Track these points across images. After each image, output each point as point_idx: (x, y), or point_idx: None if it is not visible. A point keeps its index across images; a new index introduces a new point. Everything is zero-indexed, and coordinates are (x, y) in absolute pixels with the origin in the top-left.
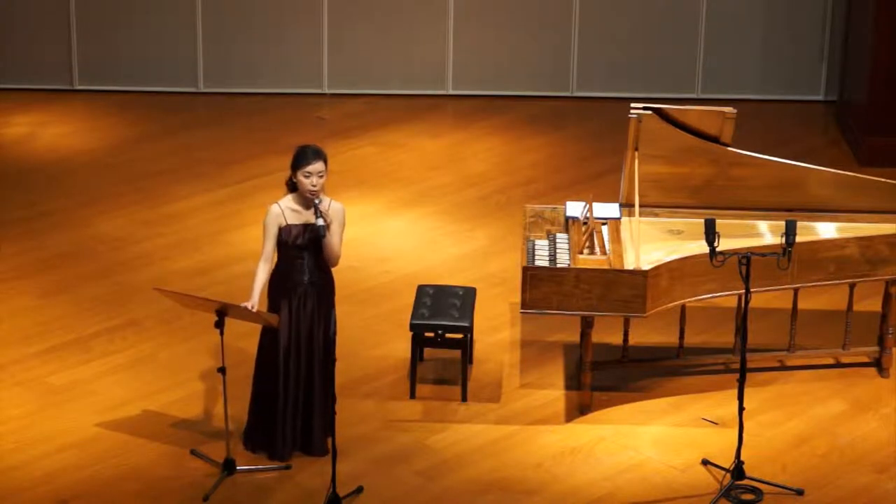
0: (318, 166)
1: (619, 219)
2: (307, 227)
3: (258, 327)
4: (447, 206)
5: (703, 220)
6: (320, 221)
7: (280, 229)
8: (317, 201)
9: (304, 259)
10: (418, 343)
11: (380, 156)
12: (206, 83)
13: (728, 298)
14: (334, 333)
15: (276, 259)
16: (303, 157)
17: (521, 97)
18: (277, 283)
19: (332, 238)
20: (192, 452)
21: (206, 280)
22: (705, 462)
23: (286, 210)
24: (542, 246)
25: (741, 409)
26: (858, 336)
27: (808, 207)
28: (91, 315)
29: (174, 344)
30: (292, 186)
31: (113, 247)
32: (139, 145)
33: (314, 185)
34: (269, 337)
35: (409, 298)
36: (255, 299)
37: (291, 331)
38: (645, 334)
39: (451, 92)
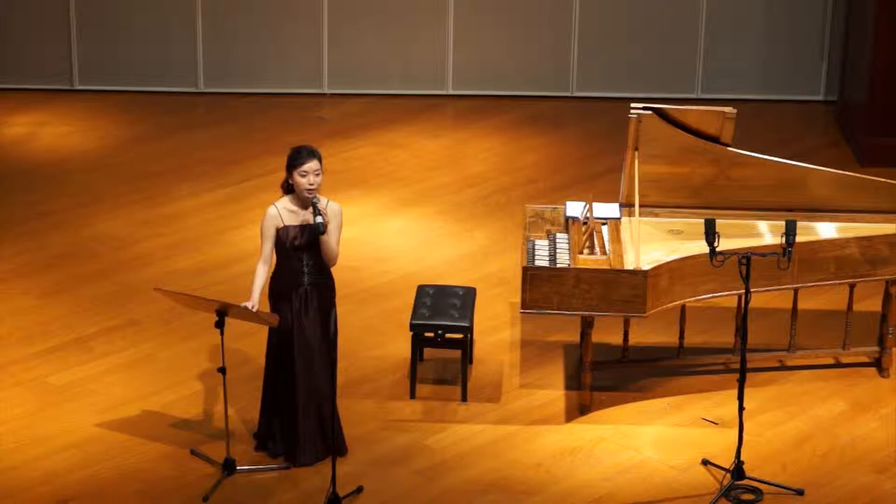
0: (313, 165)
1: (619, 219)
2: (305, 227)
3: (258, 327)
4: (447, 206)
5: (703, 220)
6: (319, 219)
7: (278, 231)
8: (315, 200)
9: (304, 260)
10: (418, 343)
11: (380, 156)
12: (206, 83)
13: (728, 298)
14: (335, 334)
15: (274, 260)
16: (298, 156)
17: (521, 97)
18: (278, 285)
19: (330, 238)
20: (192, 452)
21: (206, 280)
22: (705, 462)
23: (283, 211)
24: (542, 246)
25: (741, 409)
26: (858, 336)
27: (808, 207)
28: (91, 315)
29: (174, 344)
30: (288, 188)
31: (113, 247)
32: (139, 145)
33: (311, 184)
34: (276, 338)
35: (409, 298)
36: (256, 298)
37: (294, 332)
38: (645, 334)
39: (451, 92)
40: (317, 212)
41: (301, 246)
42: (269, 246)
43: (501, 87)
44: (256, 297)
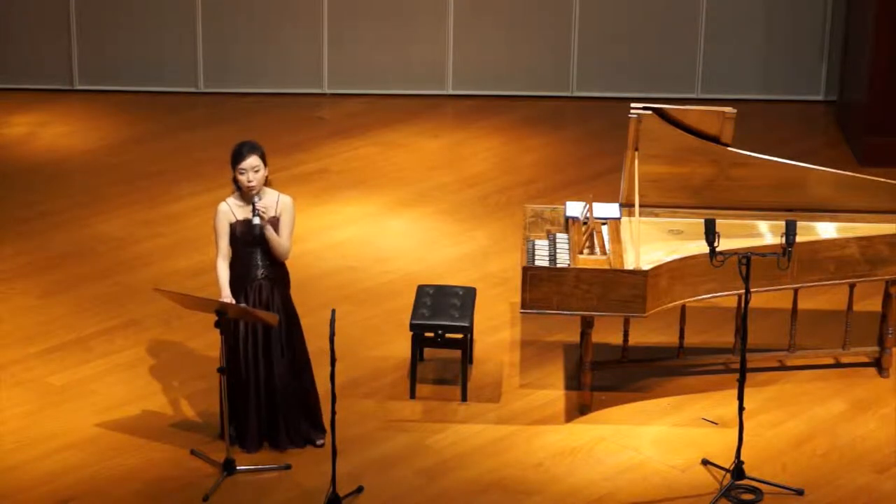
0: (251, 161)
1: (619, 219)
2: (247, 223)
3: None
4: (447, 206)
5: (703, 220)
6: (256, 220)
7: (231, 226)
8: (256, 199)
9: (257, 254)
10: (418, 343)
11: (380, 156)
12: (206, 83)
13: (728, 298)
14: (333, 334)
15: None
16: (237, 154)
17: (521, 97)
18: (233, 279)
19: (282, 232)
20: (192, 452)
21: (206, 280)
22: (705, 462)
23: (234, 207)
24: (542, 246)
25: (741, 409)
26: (858, 336)
27: (808, 207)
28: (91, 315)
29: (174, 344)
30: (237, 184)
31: (113, 247)
32: (139, 145)
33: (250, 181)
34: (230, 332)
35: (409, 298)
36: (227, 293)
37: (248, 325)
38: (645, 334)
39: (451, 92)
40: (255, 212)
41: (252, 240)
42: (224, 242)
43: (501, 87)
44: (227, 292)
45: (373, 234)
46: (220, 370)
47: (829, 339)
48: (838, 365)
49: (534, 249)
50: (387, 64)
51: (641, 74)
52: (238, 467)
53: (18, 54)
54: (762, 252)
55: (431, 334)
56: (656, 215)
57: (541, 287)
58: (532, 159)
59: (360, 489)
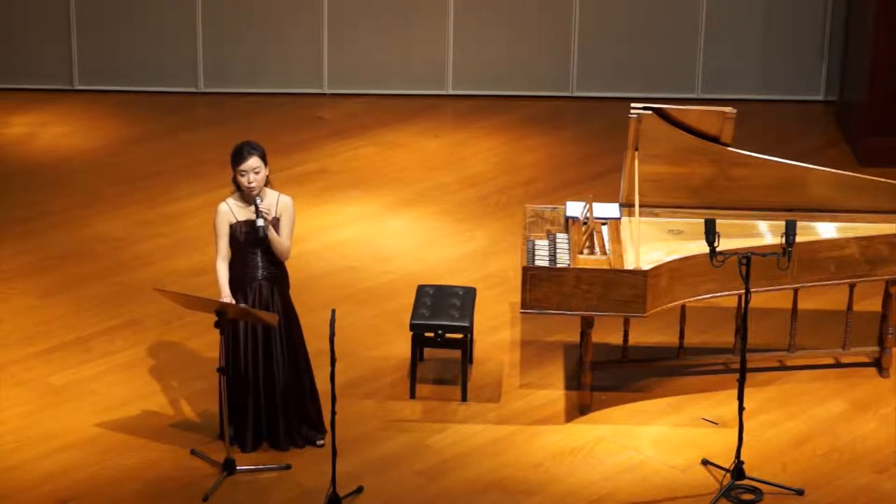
0: (251, 163)
1: (619, 219)
2: (249, 224)
3: None
4: (447, 206)
5: (703, 220)
6: (260, 221)
7: (231, 227)
8: (258, 200)
9: (258, 255)
10: (418, 343)
11: (380, 156)
12: (206, 83)
13: (728, 298)
14: (333, 334)
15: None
16: (237, 155)
17: (521, 97)
18: (232, 280)
19: (282, 232)
20: (192, 452)
21: (206, 280)
22: (705, 462)
23: (234, 207)
24: (542, 246)
25: (741, 409)
26: (858, 336)
27: (808, 207)
28: (91, 315)
29: (174, 344)
30: (238, 184)
31: (113, 247)
32: (139, 145)
33: (250, 182)
34: (230, 333)
35: (409, 298)
36: (227, 293)
37: (248, 325)
38: (645, 334)
39: (451, 92)
40: (258, 213)
41: (253, 241)
42: (224, 242)
43: (501, 87)
44: (227, 292)
45: (373, 234)
46: (220, 370)
47: (829, 339)
48: (838, 365)
49: (534, 249)
50: (387, 64)
51: (641, 74)
52: (238, 467)
53: (18, 54)
54: (762, 252)
55: (431, 334)
56: (656, 215)
57: (541, 287)
58: (532, 159)
59: (360, 489)
